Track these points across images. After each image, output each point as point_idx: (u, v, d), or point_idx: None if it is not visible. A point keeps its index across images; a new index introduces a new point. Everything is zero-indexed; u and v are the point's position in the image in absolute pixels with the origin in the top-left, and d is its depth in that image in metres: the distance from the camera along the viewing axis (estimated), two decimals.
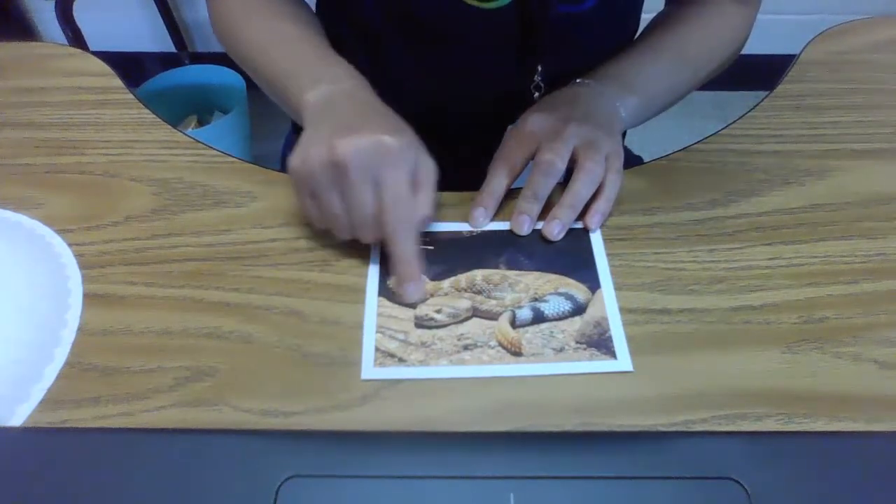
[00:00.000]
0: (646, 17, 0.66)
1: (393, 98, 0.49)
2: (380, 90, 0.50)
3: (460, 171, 0.52)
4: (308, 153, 0.44)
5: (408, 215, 0.44)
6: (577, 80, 0.57)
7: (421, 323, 0.45)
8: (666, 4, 0.65)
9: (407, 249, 0.45)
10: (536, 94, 0.61)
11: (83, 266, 0.49)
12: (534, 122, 0.52)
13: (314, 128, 0.46)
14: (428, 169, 0.46)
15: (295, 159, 0.45)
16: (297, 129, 0.76)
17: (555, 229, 0.50)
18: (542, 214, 0.51)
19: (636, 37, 0.64)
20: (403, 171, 0.44)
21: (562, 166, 0.50)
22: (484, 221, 0.51)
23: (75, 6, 1.36)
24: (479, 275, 0.48)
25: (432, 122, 0.53)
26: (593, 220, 0.50)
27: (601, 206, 0.50)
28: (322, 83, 0.49)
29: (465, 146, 0.60)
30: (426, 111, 0.49)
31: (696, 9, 0.61)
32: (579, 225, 0.51)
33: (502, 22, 0.57)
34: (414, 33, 0.59)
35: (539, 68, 0.60)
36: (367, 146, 0.43)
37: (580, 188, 0.50)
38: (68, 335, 0.45)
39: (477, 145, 0.58)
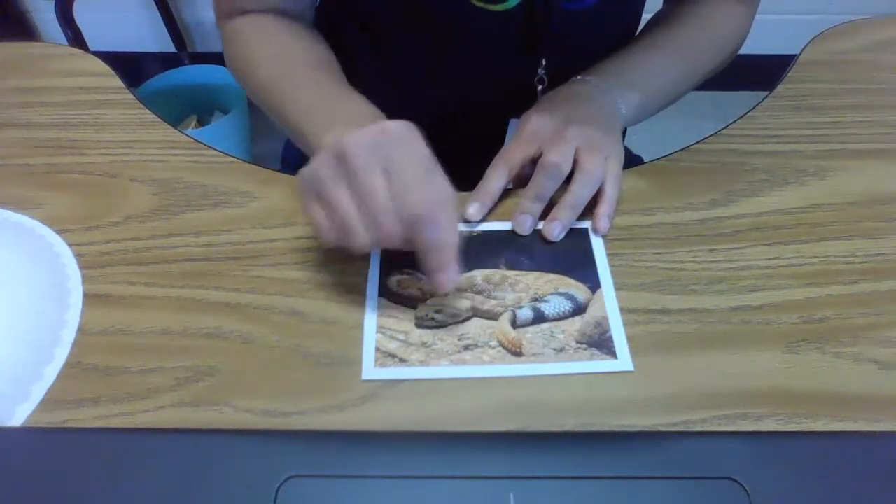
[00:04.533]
0: (646, 18, 0.66)
1: (395, 95, 0.49)
2: (382, 87, 0.50)
3: (462, 167, 0.52)
4: (313, 160, 0.42)
5: (429, 196, 0.40)
6: (579, 77, 0.57)
7: (421, 323, 0.45)
8: (665, 3, 0.65)
9: (435, 234, 0.40)
10: (539, 88, 0.61)
11: (83, 266, 0.49)
12: (535, 122, 0.52)
13: None
14: (431, 158, 0.42)
15: (303, 170, 0.42)
16: None
17: (555, 230, 0.49)
18: (543, 215, 0.51)
19: (637, 34, 0.64)
20: (414, 151, 0.40)
21: (566, 169, 0.49)
22: (478, 217, 0.51)
23: (75, 6, 1.36)
24: (479, 275, 0.48)
25: (434, 119, 0.53)
26: (601, 223, 0.50)
27: (605, 208, 0.50)
28: (339, 124, 0.45)
29: (468, 142, 0.60)
30: (428, 107, 0.48)
31: (696, 7, 0.61)
32: (579, 225, 0.51)
33: (508, 21, 0.57)
34: (418, 30, 0.59)
35: (543, 62, 0.60)
36: (371, 132, 0.40)
37: (581, 189, 0.50)
38: (68, 335, 0.45)
39: (480, 141, 0.58)
